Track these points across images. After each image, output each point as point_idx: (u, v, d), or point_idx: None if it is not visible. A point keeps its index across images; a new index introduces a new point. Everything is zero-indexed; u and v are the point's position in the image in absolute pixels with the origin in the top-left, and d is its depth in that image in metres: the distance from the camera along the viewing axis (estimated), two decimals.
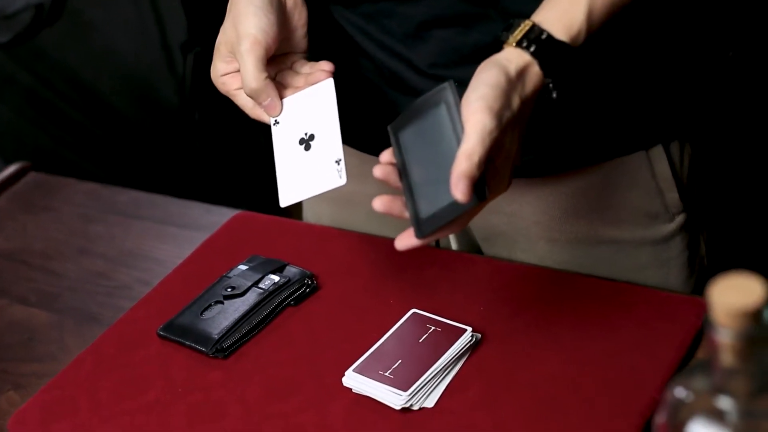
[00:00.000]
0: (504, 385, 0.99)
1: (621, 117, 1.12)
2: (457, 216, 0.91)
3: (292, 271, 1.16)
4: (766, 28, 1.88)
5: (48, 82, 2.27)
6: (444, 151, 0.91)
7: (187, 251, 1.25)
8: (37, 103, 2.28)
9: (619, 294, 1.07)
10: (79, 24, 2.25)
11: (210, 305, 1.13)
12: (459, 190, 0.87)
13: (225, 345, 1.09)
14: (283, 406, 1.02)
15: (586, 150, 1.13)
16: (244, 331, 1.10)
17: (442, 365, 1.01)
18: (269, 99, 1.05)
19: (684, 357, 0.99)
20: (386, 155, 0.95)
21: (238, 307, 1.12)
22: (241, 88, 1.06)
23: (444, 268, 1.14)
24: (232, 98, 1.08)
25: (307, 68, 1.08)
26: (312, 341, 1.08)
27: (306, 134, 1.05)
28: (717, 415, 0.68)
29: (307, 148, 1.05)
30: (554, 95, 0.96)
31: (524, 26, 0.95)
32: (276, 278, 1.15)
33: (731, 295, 0.65)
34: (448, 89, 0.93)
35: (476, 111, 0.89)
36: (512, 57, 0.94)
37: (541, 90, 0.95)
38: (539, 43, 0.94)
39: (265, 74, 1.04)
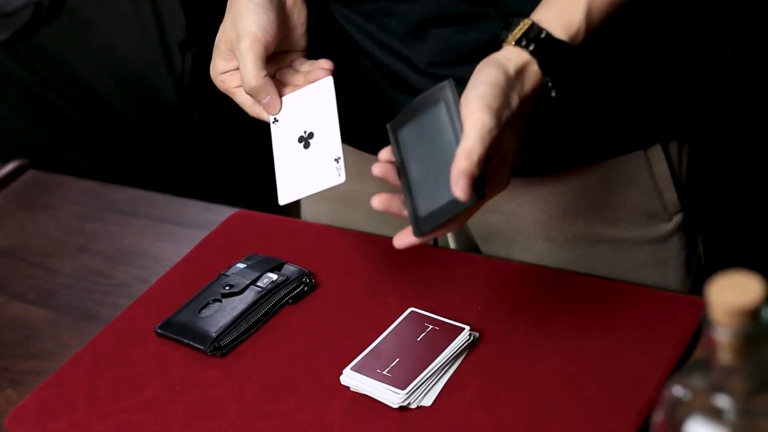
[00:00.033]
0: (502, 384, 1.00)
1: (619, 116, 1.12)
2: (456, 214, 0.91)
3: (290, 269, 1.16)
4: (763, 29, 1.88)
5: (46, 80, 2.27)
6: (443, 150, 0.91)
7: (185, 249, 1.25)
8: (35, 101, 2.28)
9: (618, 293, 1.07)
10: (77, 22, 2.25)
11: (208, 303, 1.13)
12: (459, 188, 0.87)
13: (223, 343, 1.09)
14: (280, 405, 1.02)
15: (584, 149, 1.13)
16: (242, 329, 1.10)
17: (440, 364, 1.01)
18: (268, 97, 1.05)
19: (682, 356, 1.00)
20: (385, 153, 0.95)
21: (236, 306, 1.12)
22: (240, 86, 1.06)
23: (442, 267, 1.14)
24: (231, 96, 1.08)
25: (306, 66, 1.08)
26: (310, 340, 1.08)
27: (305, 132, 1.05)
28: (715, 414, 0.68)
29: (307, 146, 1.05)
30: (553, 94, 0.96)
31: (523, 25, 0.95)
32: (274, 276, 1.15)
33: (730, 293, 0.65)
34: (447, 88, 0.93)
35: (475, 110, 0.89)
36: (511, 56, 0.94)
37: (540, 89, 0.95)
38: (538, 42, 0.94)
39: (264, 72, 1.04)
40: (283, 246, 1.20)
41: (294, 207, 1.19)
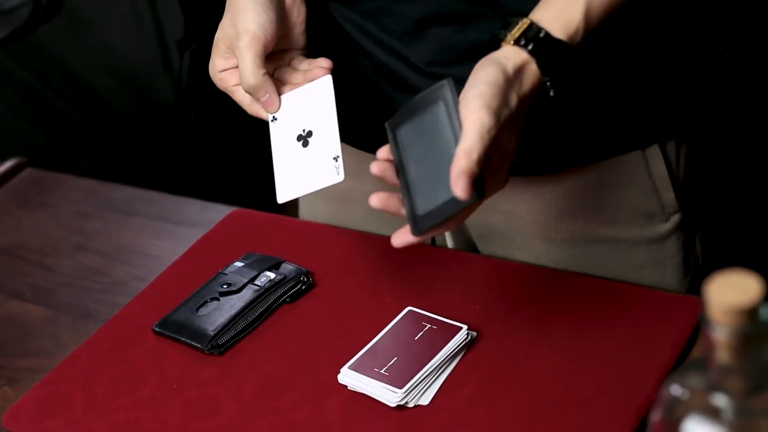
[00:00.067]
0: (499, 383, 1.00)
1: (618, 116, 1.13)
2: (454, 213, 0.91)
3: (288, 268, 1.16)
4: (761, 30, 1.88)
5: (44, 79, 2.27)
6: (441, 149, 0.91)
7: (183, 248, 1.25)
8: (33, 100, 2.28)
9: (615, 293, 1.07)
10: (76, 21, 2.25)
11: (206, 302, 1.13)
12: (459, 188, 0.87)
13: (220, 341, 1.09)
14: (278, 403, 1.02)
15: (582, 149, 1.13)
16: (239, 327, 1.10)
17: (438, 363, 1.01)
18: (267, 95, 1.05)
19: (679, 356, 1.00)
20: (383, 152, 0.95)
21: (233, 304, 1.12)
22: (239, 84, 1.06)
23: (440, 266, 1.14)
24: (230, 94, 1.08)
25: (305, 65, 1.08)
26: (308, 338, 1.08)
27: (304, 131, 1.05)
28: (712, 413, 0.68)
29: (305, 144, 1.05)
30: (551, 94, 0.96)
31: (522, 24, 0.95)
32: (272, 275, 1.15)
33: (728, 292, 0.65)
34: (446, 87, 0.93)
35: (475, 109, 0.89)
36: (510, 55, 0.94)
37: (539, 88, 0.96)
38: (537, 41, 0.94)
39: (263, 70, 1.04)
40: (281, 245, 1.21)
41: (292, 206, 1.19)
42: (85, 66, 2.27)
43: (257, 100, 1.06)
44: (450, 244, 1.27)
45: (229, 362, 1.08)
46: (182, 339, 1.10)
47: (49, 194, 1.45)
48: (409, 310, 1.08)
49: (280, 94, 1.07)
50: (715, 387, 0.68)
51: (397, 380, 1.00)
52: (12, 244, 1.37)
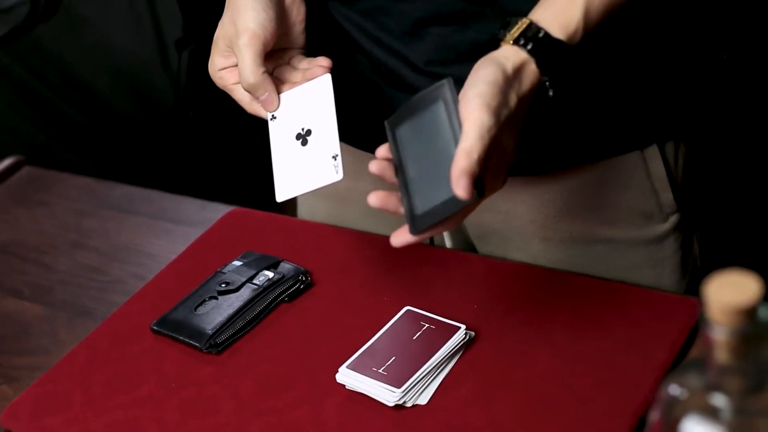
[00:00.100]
0: (497, 382, 1.00)
1: (616, 116, 1.13)
2: (453, 213, 0.91)
3: (286, 267, 1.16)
4: (760, 31, 1.89)
5: (43, 77, 2.27)
6: (441, 148, 0.91)
7: (181, 247, 1.25)
8: (31, 98, 2.28)
9: (613, 293, 1.07)
10: (74, 19, 2.24)
11: (204, 301, 1.13)
12: (460, 187, 0.87)
13: (219, 340, 1.09)
14: (276, 402, 1.02)
15: (581, 149, 1.13)
16: (238, 326, 1.10)
17: (436, 362, 1.01)
18: (267, 94, 1.05)
19: (677, 357, 1.00)
20: (382, 150, 0.95)
21: (232, 303, 1.12)
22: (238, 83, 1.06)
23: (438, 266, 1.14)
24: (229, 93, 1.08)
25: (304, 64, 1.08)
26: (306, 338, 1.08)
27: (303, 129, 1.05)
28: (711, 413, 0.68)
29: (304, 143, 1.05)
30: (550, 93, 0.96)
31: (521, 24, 0.95)
32: (270, 274, 1.15)
33: (727, 292, 0.65)
34: (446, 86, 0.93)
35: (475, 108, 0.89)
36: (509, 54, 0.94)
37: (538, 88, 0.96)
38: (536, 41, 0.94)
39: (262, 69, 1.04)
40: (279, 244, 1.20)
41: (290, 205, 1.19)
42: (83, 65, 2.27)
43: (256, 98, 1.06)
44: (448, 244, 1.27)
45: (227, 361, 1.08)
46: (180, 338, 1.10)
47: (47, 192, 1.45)
48: (408, 310, 1.08)
49: (279, 92, 1.07)
50: (714, 387, 0.68)
51: (395, 380, 1.00)
52: (10, 242, 1.37)
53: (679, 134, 1.17)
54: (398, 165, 0.95)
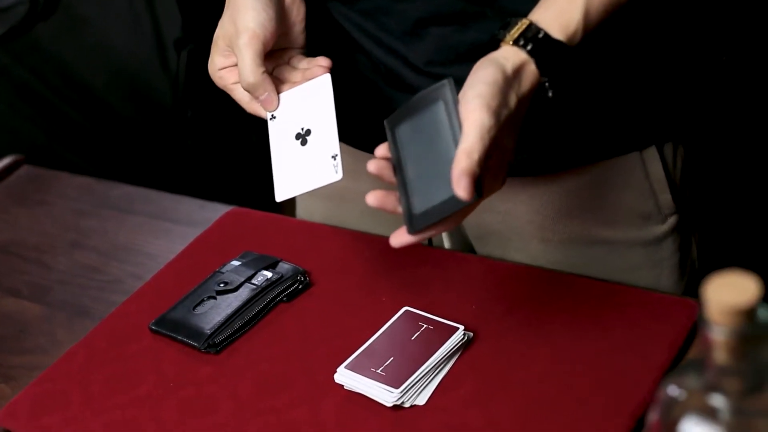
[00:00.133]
0: (496, 383, 1.00)
1: (615, 117, 1.13)
2: (451, 213, 0.91)
3: (284, 267, 1.16)
4: (758, 33, 1.89)
5: (42, 77, 2.27)
6: (440, 148, 0.91)
7: (179, 246, 1.25)
8: (30, 97, 2.28)
9: (612, 294, 1.07)
10: (73, 19, 2.24)
11: (202, 300, 1.13)
12: (461, 188, 0.88)
13: (217, 340, 1.09)
14: (274, 402, 1.02)
15: (580, 150, 1.13)
16: (236, 326, 1.10)
17: (434, 363, 1.01)
18: (266, 93, 1.05)
19: (675, 358, 1.00)
20: (381, 150, 0.96)
21: (230, 303, 1.12)
22: (238, 83, 1.06)
23: (437, 266, 1.14)
24: (229, 92, 1.08)
25: (304, 64, 1.08)
26: (304, 338, 1.08)
27: (302, 129, 1.05)
28: (710, 413, 0.68)
29: (304, 143, 1.05)
30: (550, 94, 0.96)
31: (521, 25, 0.95)
32: (269, 274, 1.15)
33: (726, 292, 0.65)
34: (446, 86, 0.93)
35: (475, 109, 0.89)
36: (509, 55, 0.94)
37: (537, 89, 0.96)
38: (536, 41, 0.94)
39: (262, 68, 1.04)
40: (277, 244, 1.20)
41: (289, 205, 1.19)
42: (82, 64, 2.27)
43: (256, 98, 1.06)
44: (447, 244, 1.27)
45: (225, 361, 1.08)
46: (179, 337, 1.10)
47: (46, 192, 1.45)
48: (406, 310, 1.08)
49: (279, 92, 1.07)
50: (713, 387, 0.68)
51: (393, 380, 1.00)
52: (9, 242, 1.37)
53: (677, 136, 1.18)
54: (397, 164, 0.95)
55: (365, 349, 1.04)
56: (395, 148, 0.95)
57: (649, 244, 1.18)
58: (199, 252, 1.23)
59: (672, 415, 0.70)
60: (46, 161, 1.58)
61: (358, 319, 1.08)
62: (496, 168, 0.93)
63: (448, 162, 0.89)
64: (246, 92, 1.06)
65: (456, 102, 0.91)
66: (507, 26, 0.96)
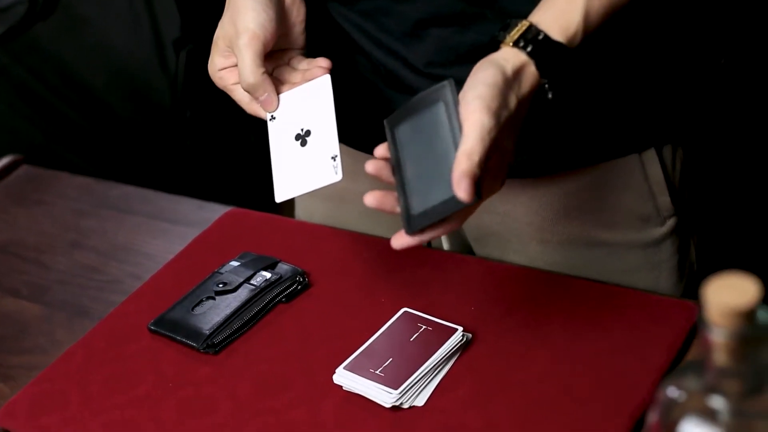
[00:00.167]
0: (495, 384, 1.00)
1: (615, 119, 1.13)
2: (448, 214, 0.91)
3: (283, 268, 1.16)
4: (757, 36, 1.89)
5: (41, 76, 2.27)
6: (439, 149, 0.91)
7: (178, 247, 1.25)
8: (29, 97, 2.28)
9: (611, 296, 1.07)
10: (72, 19, 2.24)
11: (201, 301, 1.13)
12: (462, 190, 0.88)
13: (216, 341, 1.09)
14: (273, 403, 1.02)
15: (579, 151, 1.13)
16: (235, 327, 1.10)
17: (433, 364, 1.01)
18: (266, 94, 1.05)
19: (673, 360, 1.00)
20: (381, 150, 0.96)
21: (229, 303, 1.12)
22: (238, 83, 1.06)
23: (436, 267, 1.14)
24: (229, 93, 1.08)
25: (304, 64, 1.08)
26: (303, 338, 1.08)
27: (302, 130, 1.05)
28: (709, 415, 0.68)
29: (303, 143, 1.05)
30: (550, 96, 0.96)
31: (521, 26, 0.95)
32: (268, 275, 1.15)
33: (726, 294, 0.65)
34: (447, 87, 0.93)
35: (475, 110, 0.89)
36: (509, 56, 0.94)
37: (537, 90, 0.96)
38: (536, 43, 0.95)
39: (262, 69, 1.04)
40: (276, 245, 1.21)
41: (288, 206, 1.19)
42: (81, 64, 2.27)
43: (256, 98, 1.06)
44: (446, 245, 1.27)
45: (224, 361, 1.08)
46: (177, 338, 1.10)
47: (45, 192, 1.45)
48: (405, 311, 1.08)
49: (278, 93, 1.07)
50: (712, 389, 0.68)
51: (392, 381, 1.00)
52: (8, 242, 1.37)
53: (676, 138, 1.18)
54: (396, 164, 0.95)
55: (364, 349, 1.04)
56: (394, 148, 0.95)
57: (647, 246, 1.18)
58: (198, 252, 1.23)
59: (672, 417, 0.70)
60: (45, 161, 1.58)
61: (357, 320, 1.09)
62: (495, 169, 0.93)
63: (448, 163, 0.89)
64: (246, 93, 1.06)
65: (457, 103, 0.91)
66: (507, 28, 0.96)
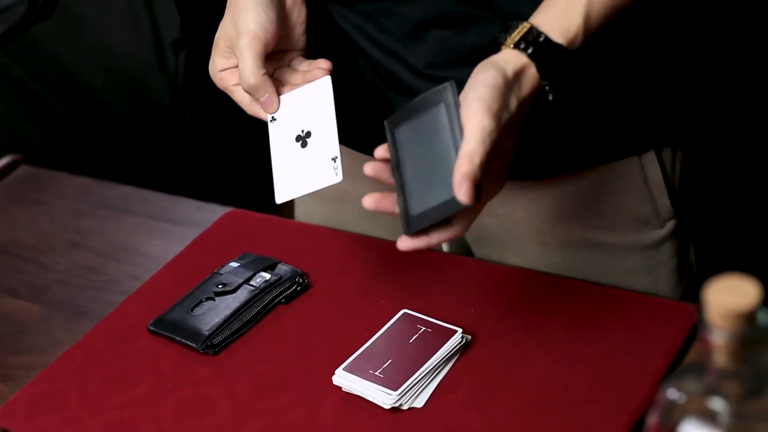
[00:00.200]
0: (494, 386, 1.00)
1: (615, 122, 1.13)
2: (447, 215, 0.91)
3: (283, 269, 1.16)
4: (756, 40, 1.89)
5: (40, 77, 2.27)
6: (439, 151, 0.91)
7: (178, 247, 1.25)
8: (28, 97, 2.28)
9: (610, 298, 1.07)
10: (71, 19, 2.24)
11: (201, 301, 1.13)
12: (462, 192, 0.88)
13: (215, 341, 1.09)
14: (272, 403, 1.02)
15: (579, 153, 1.13)
16: (234, 327, 1.10)
17: (432, 366, 1.01)
18: (267, 95, 1.05)
19: (673, 363, 1.00)
20: (381, 150, 0.96)
21: (229, 304, 1.12)
22: (238, 84, 1.06)
23: (435, 269, 1.14)
24: (229, 94, 1.08)
25: (304, 66, 1.08)
26: (302, 339, 1.08)
27: (303, 131, 1.05)
28: (709, 417, 0.68)
29: (304, 145, 1.05)
30: (550, 98, 0.96)
31: (522, 28, 0.95)
32: (267, 276, 1.15)
33: (726, 296, 0.65)
34: (448, 89, 0.93)
35: (476, 112, 0.89)
36: (510, 58, 0.94)
37: (537, 92, 0.96)
38: (536, 45, 0.95)
39: (263, 70, 1.04)
40: (276, 246, 1.21)
41: (287, 207, 1.19)
42: (80, 64, 2.27)
43: (256, 100, 1.06)
44: (445, 247, 1.27)
45: (223, 362, 1.08)
46: (177, 338, 1.10)
47: (44, 192, 1.45)
48: (404, 313, 1.08)
49: (279, 94, 1.07)
50: (712, 391, 0.68)
51: (391, 382, 1.00)
52: (7, 242, 1.37)
53: (676, 140, 1.18)
54: (395, 165, 0.95)
55: (363, 351, 1.04)
56: (394, 149, 0.95)
57: (647, 248, 1.18)
58: (197, 253, 1.23)
59: (671, 419, 0.70)
60: (44, 161, 1.58)
61: (356, 321, 1.09)
62: (495, 171, 0.93)
63: (448, 164, 0.89)
64: (246, 94, 1.06)
65: (458, 105, 0.92)
66: (508, 29, 0.96)
